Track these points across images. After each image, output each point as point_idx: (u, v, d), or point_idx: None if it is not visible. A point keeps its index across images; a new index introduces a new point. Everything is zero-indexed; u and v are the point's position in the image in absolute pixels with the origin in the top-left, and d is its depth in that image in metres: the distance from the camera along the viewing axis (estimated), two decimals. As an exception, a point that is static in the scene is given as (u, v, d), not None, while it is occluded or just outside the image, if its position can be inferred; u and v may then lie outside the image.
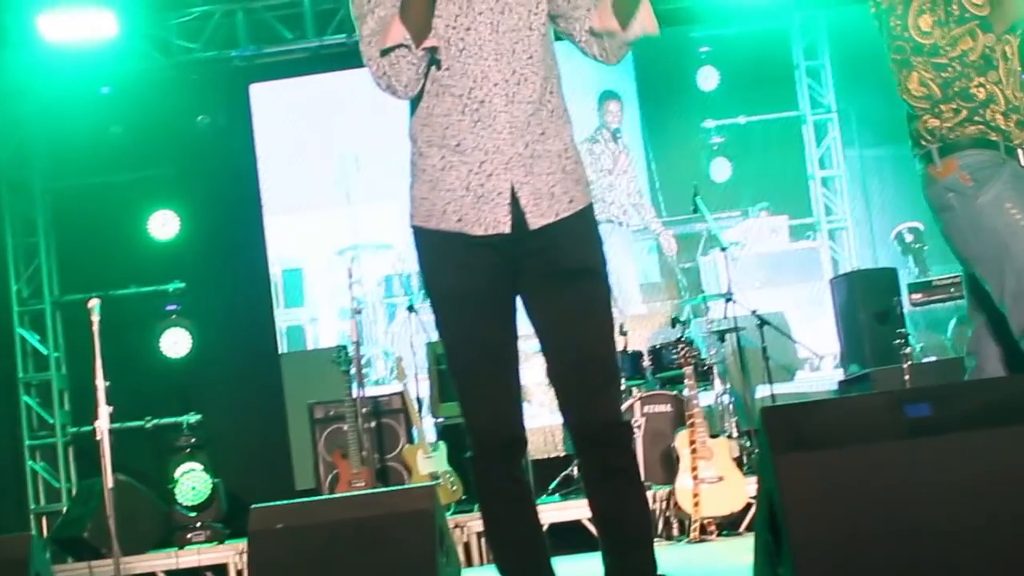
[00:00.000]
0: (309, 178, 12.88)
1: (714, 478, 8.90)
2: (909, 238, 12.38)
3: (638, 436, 9.55)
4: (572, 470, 9.89)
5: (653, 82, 13.37)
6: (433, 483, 9.52)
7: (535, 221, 4.19)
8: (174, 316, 11.50)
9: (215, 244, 12.02)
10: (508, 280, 4.28)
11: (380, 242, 12.63)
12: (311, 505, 5.22)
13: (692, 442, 8.97)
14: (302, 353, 12.76)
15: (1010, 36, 5.19)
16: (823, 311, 12.07)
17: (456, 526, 9.29)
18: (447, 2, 4.17)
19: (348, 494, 8.55)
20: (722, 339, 10.56)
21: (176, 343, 11.45)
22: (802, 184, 13.72)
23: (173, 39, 12.17)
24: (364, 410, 10.08)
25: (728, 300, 10.54)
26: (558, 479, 10.06)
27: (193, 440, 10.88)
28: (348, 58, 12.03)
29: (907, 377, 9.29)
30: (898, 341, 9.49)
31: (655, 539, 4.45)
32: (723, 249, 10.93)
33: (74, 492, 11.78)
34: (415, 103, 4.29)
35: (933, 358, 11.17)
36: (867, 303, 10.94)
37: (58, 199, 12.39)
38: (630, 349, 10.22)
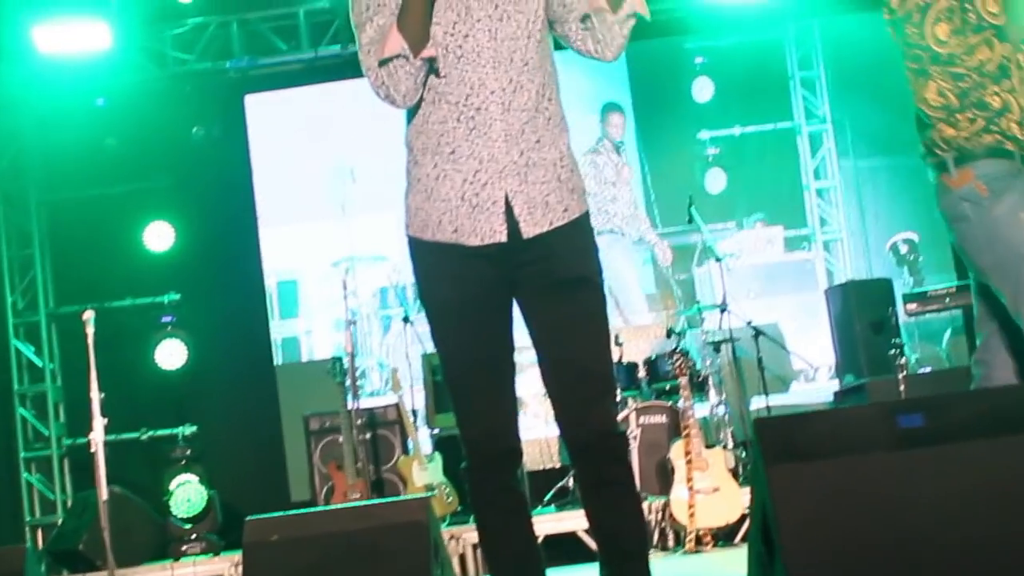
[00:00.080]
0: (304, 189, 12.89)
1: (709, 489, 8.91)
2: (904, 249, 12.41)
3: (634, 447, 9.56)
4: (567, 481, 9.89)
5: (648, 93, 13.38)
6: (428, 495, 9.50)
7: (529, 230, 4.19)
8: (169, 328, 11.50)
9: (210, 255, 12.01)
10: (504, 291, 4.28)
11: (375, 254, 12.64)
12: (306, 517, 5.21)
13: (687, 453, 8.98)
14: (297, 365, 12.76)
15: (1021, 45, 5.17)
16: (818, 322, 12.08)
17: (452, 537, 9.28)
18: (445, 9, 4.17)
19: (343, 506, 8.52)
20: (717, 350, 10.58)
21: (171, 355, 11.45)
22: (797, 195, 13.74)
23: (168, 51, 12.17)
24: (359, 422, 10.07)
25: (723, 311, 10.55)
26: (554, 490, 10.07)
27: (188, 452, 10.88)
28: (343, 69, 12.09)
29: (902, 388, 9.30)
30: (893, 352, 9.49)
31: (651, 550, 4.45)
32: (718, 260, 10.94)
33: (69, 504, 11.76)
34: (412, 111, 4.28)
35: (928, 368, 11.19)
36: (862, 314, 10.95)
37: (53, 211, 12.39)
38: (626, 360, 10.23)
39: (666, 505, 9.02)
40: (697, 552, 8.76)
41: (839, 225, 13.80)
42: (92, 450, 8.60)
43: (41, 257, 12.37)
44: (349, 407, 9.90)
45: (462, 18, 4.18)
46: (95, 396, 8.62)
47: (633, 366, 10.20)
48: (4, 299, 12.23)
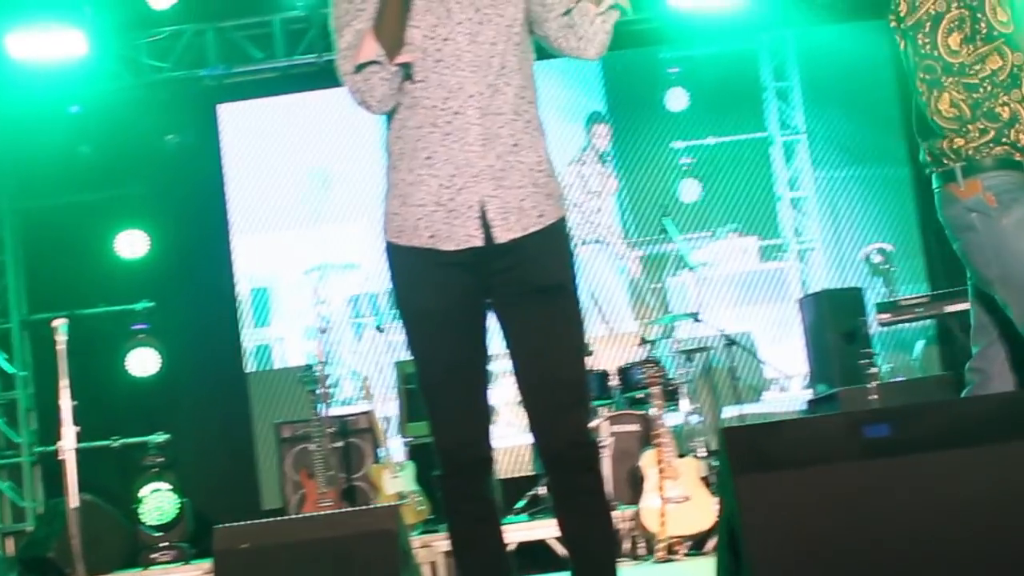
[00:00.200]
0: (277, 198, 12.87)
1: (680, 498, 8.91)
2: (877, 259, 12.42)
3: (606, 456, 9.57)
4: (540, 489, 9.90)
5: (622, 103, 13.39)
6: (399, 503, 9.52)
7: (502, 235, 4.18)
8: (142, 335, 11.47)
9: (184, 263, 12.00)
10: (480, 298, 4.28)
11: (348, 262, 12.63)
12: (275, 525, 5.22)
13: (659, 462, 8.99)
14: (269, 372, 12.74)
15: None
16: (791, 331, 12.10)
17: (423, 545, 9.28)
18: (425, 12, 4.16)
19: (313, 514, 8.52)
20: (690, 359, 10.59)
21: (144, 362, 11.43)
22: (771, 205, 13.76)
23: (143, 58, 12.16)
24: (331, 430, 10.07)
25: (696, 320, 10.56)
26: (526, 498, 10.07)
27: (160, 460, 10.84)
28: (317, 78, 12.10)
29: (874, 397, 9.32)
30: (864, 361, 9.52)
31: (622, 559, 4.47)
32: (691, 269, 10.96)
33: (40, 512, 11.73)
34: (390, 116, 4.28)
35: (901, 378, 11.21)
36: (835, 323, 10.98)
37: (26, 218, 12.35)
38: (598, 369, 10.24)
39: (637, 514, 9.02)
40: (668, 561, 8.77)
41: (813, 235, 13.82)
42: (60, 458, 8.58)
43: (14, 264, 12.32)
44: (321, 415, 9.89)
45: (442, 21, 4.18)
46: (65, 404, 8.59)
47: (605, 375, 10.21)
48: (-24, 306, 12.20)
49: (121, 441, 11.34)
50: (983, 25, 5.05)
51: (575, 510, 4.32)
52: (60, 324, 8.67)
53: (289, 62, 12.34)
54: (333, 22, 4.28)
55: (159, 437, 11.20)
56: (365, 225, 12.62)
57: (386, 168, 4.34)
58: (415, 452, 10.40)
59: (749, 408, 11.12)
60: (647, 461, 9.07)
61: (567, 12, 4.26)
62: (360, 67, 4.13)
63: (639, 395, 9.95)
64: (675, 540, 8.85)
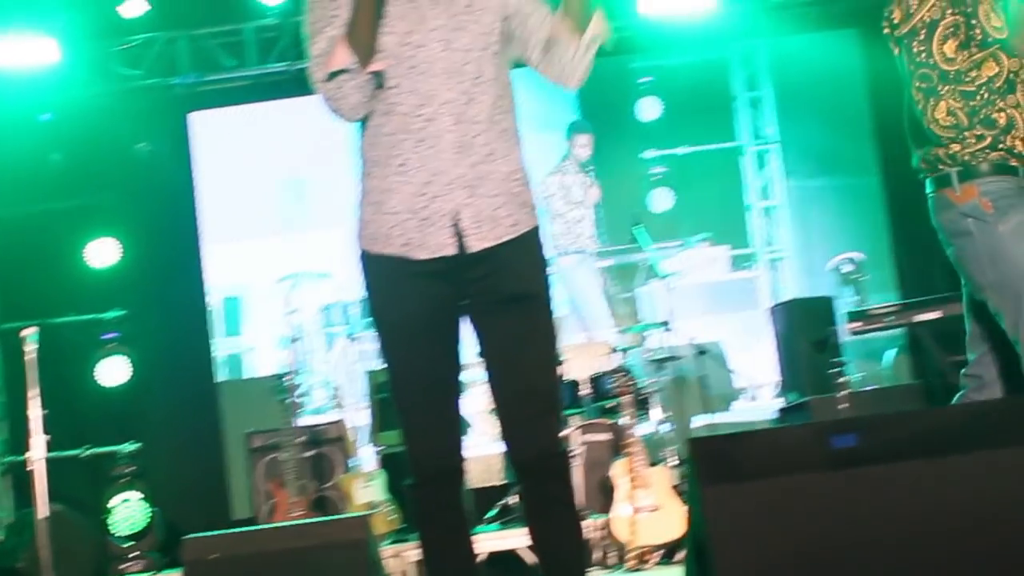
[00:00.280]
0: (249, 206, 12.88)
1: (651, 507, 8.91)
2: (848, 268, 12.47)
3: (577, 465, 9.55)
4: (511, 499, 9.89)
5: (593, 112, 13.42)
6: (370, 512, 9.50)
7: (475, 244, 4.19)
8: (112, 344, 11.43)
9: (155, 272, 11.95)
10: (453, 307, 4.28)
11: (320, 271, 12.63)
12: (245, 535, 5.22)
13: (630, 471, 8.98)
14: (240, 382, 12.75)
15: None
16: (762, 340, 12.12)
17: (394, 555, 9.26)
18: (399, 19, 4.17)
19: (282, 524, 8.52)
20: (661, 368, 10.59)
21: (114, 371, 11.38)
22: (742, 214, 13.81)
23: (114, 66, 12.12)
24: (302, 439, 10.04)
25: (667, 329, 10.58)
26: (497, 507, 10.06)
27: (130, 469, 10.80)
28: (289, 86, 12.08)
29: (844, 406, 9.34)
30: (834, 370, 9.54)
31: (592, 568, 4.49)
32: (661, 279, 10.97)
33: (9, 522, 11.67)
34: (364, 122, 4.28)
35: (872, 386, 11.24)
36: (805, 332, 10.99)
37: (-4, 226, 12.31)
38: (568, 378, 10.24)
39: (608, 523, 9.02)
40: (638, 570, 8.76)
41: (784, 244, 13.87)
42: (30, 468, 8.55)
43: (-17, 272, 12.28)
44: (292, 424, 9.86)
45: (416, 28, 4.19)
46: (33, 415, 8.57)
47: (576, 384, 10.21)
48: (-55, 315, 12.14)
49: (91, 451, 11.30)
50: (978, 31, 5.08)
51: (546, 520, 4.33)
52: (30, 333, 8.65)
53: (261, 70, 12.31)
54: (307, 28, 4.29)
55: (129, 447, 11.17)
56: (337, 234, 12.56)
57: (359, 175, 4.34)
58: (386, 462, 10.37)
59: (720, 417, 11.14)
60: (618, 470, 9.07)
61: (547, 44, 4.28)
62: (332, 75, 4.13)
63: (610, 404, 9.94)
64: (646, 549, 8.84)
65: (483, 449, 10.72)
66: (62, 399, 9.96)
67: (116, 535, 10.25)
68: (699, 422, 10.87)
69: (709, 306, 12.94)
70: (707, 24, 12.26)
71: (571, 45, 4.23)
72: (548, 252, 4.43)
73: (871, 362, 12.30)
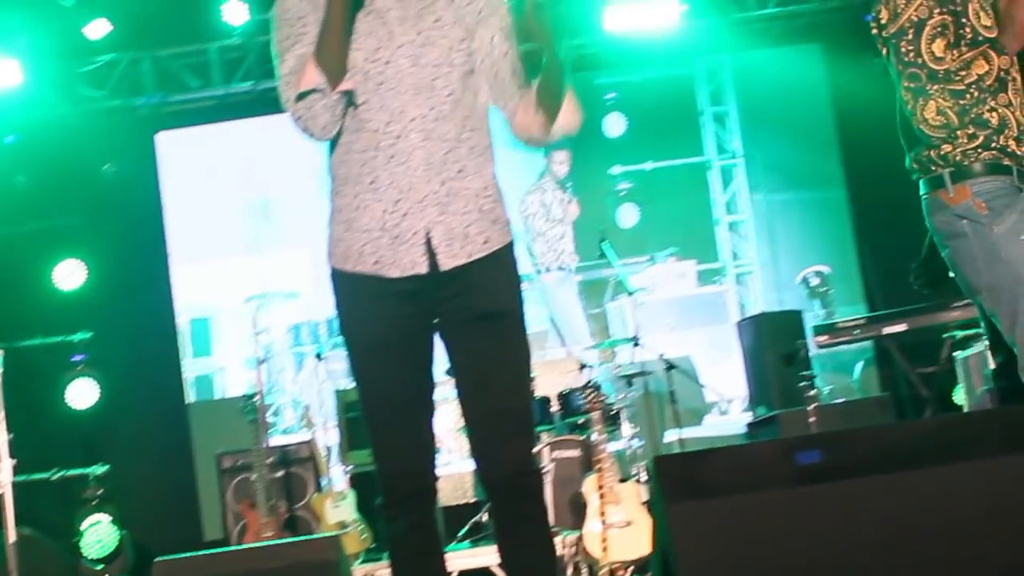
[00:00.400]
0: (216, 226, 12.86)
1: (622, 523, 8.90)
2: (815, 281, 12.52)
3: (548, 481, 9.55)
4: (482, 516, 9.89)
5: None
6: (341, 532, 9.49)
7: (447, 262, 4.17)
8: (81, 366, 11.39)
9: (122, 293, 11.91)
10: (425, 326, 4.27)
11: (288, 290, 12.61)
12: (216, 556, 5.21)
13: (600, 487, 8.98)
14: (210, 403, 12.71)
15: (1015, 57, 5.16)
16: (730, 355, 12.14)
17: (365, 575, 9.25)
18: (367, 35, 4.16)
19: (252, 545, 8.50)
20: (630, 383, 10.59)
21: (83, 393, 11.34)
22: (709, 229, 13.84)
23: (79, 87, 12.11)
24: (272, 459, 10.03)
25: (635, 344, 10.59)
26: (468, 525, 10.05)
27: (100, 492, 10.77)
28: (255, 105, 12.09)
29: (812, 419, 9.36)
30: (803, 384, 9.56)
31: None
32: (630, 294, 10.99)
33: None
34: (334, 140, 4.26)
35: (841, 399, 11.27)
36: (773, 345, 11.00)
37: (-38, 249, 12.27)
38: (538, 394, 10.23)
39: (579, 539, 9.02)
40: (610, 586, 8.77)
41: (751, 258, 13.90)
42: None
43: (-50, 295, 12.23)
44: (262, 445, 9.84)
45: (384, 44, 4.17)
46: (1, 437, 8.53)
47: (546, 400, 10.21)
48: (-88, 338, 12.09)
49: (60, 473, 11.26)
50: (968, 30, 5.05)
51: (517, 538, 4.32)
52: (-5, 356, 8.62)
53: (226, 90, 12.31)
54: (275, 46, 4.27)
55: (99, 469, 11.14)
56: (305, 253, 12.62)
57: (330, 192, 4.32)
58: (357, 481, 10.35)
59: (690, 432, 11.15)
60: (589, 486, 9.06)
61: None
62: (302, 95, 4.12)
63: (580, 420, 9.94)
64: (617, 565, 8.84)
65: (454, 467, 10.71)
66: (31, 422, 9.92)
67: (87, 558, 10.22)
68: (670, 437, 10.88)
69: (678, 321, 12.95)
70: (671, 40, 12.31)
71: (540, 127, 4.27)
72: (522, 269, 4.43)
73: (840, 375, 12.35)
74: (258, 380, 10.15)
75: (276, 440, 10.59)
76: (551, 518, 4.57)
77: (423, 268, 4.16)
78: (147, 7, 11.68)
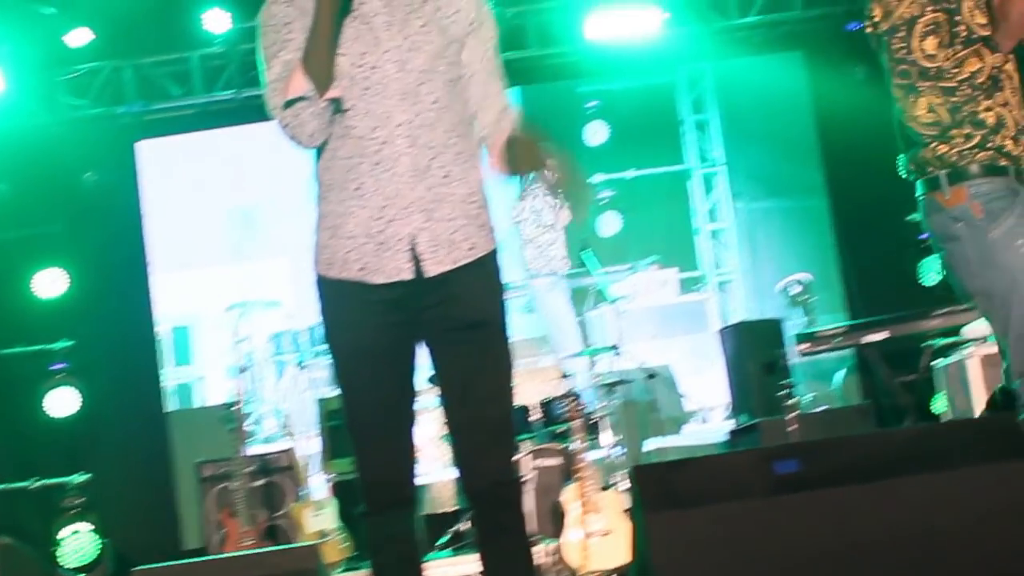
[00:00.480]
0: (198, 235, 12.84)
1: (602, 531, 8.91)
2: (796, 290, 12.52)
3: (528, 490, 9.54)
4: (462, 525, 9.88)
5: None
6: (321, 541, 9.48)
7: (432, 268, 4.16)
8: (61, 375, 11.36)
9: (103, 302, 11.88)
10: (409, 334, 4.26)
11: (269, 299, 12.59)
12: (195, 565, 5.21)
13: (581, 495, 8.99)
14: (190, 411, 12.70)
15: (1010, 54, 5.13)
16: (711, 363, 12.15)
17: (346, 584, 9.25)
18: (353, 40, 4.15)
19: (233, 554, 8.49)
20: (611, 392, 10.59)
21: (63, 402, 11.32)
22: (690, 237, 13.85)
23: (60, 96, 12.08)
24: (252, 468, 10.01)
25: (616, 353, 10.59)
26: (448, 534, 10.05)
27: (80, 501, 10.75)
28: (236, 114, 12.09)
29: (793, 428, 9.36)
30: (783, 392, 9.57)
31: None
32: (611, 303, 11.00)
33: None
34: (321, 145, 4.24)
35: (823, 407, 11.29)
36: (754, 354, 11.01)
37: (-58, 259, 12.24)
38: (518, 403, 10.22)
39: (560, 548, 9.02)
40: (591, 595, 8.78)
41: (732, 266, 13.92)
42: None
43: (-69, 304, 12.19)
44: (242, 453, 9.83)
45: (370, 49, 4.15)
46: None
47: (526, 409, 10.21)
48: None
49: (40, 482, 11.23)
50: (962, 28, 5.03)
51: (497, 547, 4.32)
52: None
53: (208, 98, 12.29)
54: (261, 52, 4.25)
55: (79, 478, 11.11)
56: (287, 262, 12.61)
57: (315, 199, 4.31)
58: (337, 489, 10.35)
59: (670, 440, 11.16)
60: (569, 495, 9.07)
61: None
62: (289, 102, 4.11)
63: (560, 429, 9.95)
64: (597, 574, 8.84)
65: (435, 476, 10.71)
66: (10, 430, 9.92)
67: (66, 567, 10.19)
68: (650, 446, 10.88)
69: (658, 329, 12.96)
70: (653, 48, 12.32)
71: (502, 170, 4.29)
72: (507, 275, 4.42)
73: (821, 383, 12.36)
74: (239, 389, 10.13)
75: (256, 449, 10.59)
76: (532, 526, 4.55)
77: (408, 274, 4.16)
78: (129, 15, 11.64)
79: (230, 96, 12.19)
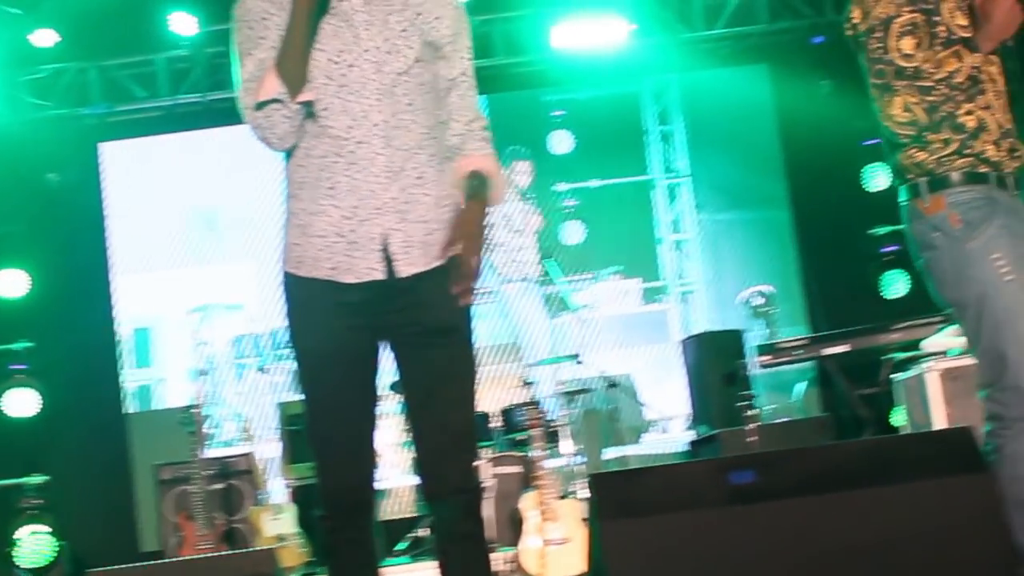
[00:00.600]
0: (160, 237, 12.79)
1: (561, 539, 8.93)
2: (758, 301, 12.55)
3: (487, 497, 9.55)
4: (421, 531, 9.88)
5: (505, 144, 13.43)
6: (279, 545, 9.47)
7: (404, 269, 4.14)
8: (20, 376, 11.33)
9: (64, 303, 11.86)
10: (375, 339, 4.24)
11: (230, 302, 12.56)
12: (152, 568, 5.19)
13: (540, 503, 9.00)
14: (150, 413, 12.62)
15: (994, 56, 5.09)
16: (672, 373, 12.17)
17: (303, 588, 9.25)
18: (331, 37, 4.13)
19: (190, 557, 8.48)
20: (572, 401, 10.61)
21: (22, 403, 11.28)
22: (653, 247, 13.86)
23: (24, 96, 12.05)
24: (211, 471, 9.99)
25: (577, 362, 10.61)
26: (407, 540, 10.05)
27: (37, 502, 10.72)
28: (201, 117, 12.08)
29: (753, 439, 9.39)
30: (744, 403, 9.60)
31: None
32: (573, 311, 11.01)
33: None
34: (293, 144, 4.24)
35: (783, 419, 11.32)
36: (715, 364, 11.04)
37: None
38: (479, 410, 10.22)
39: (517, 555, 9.03)
40: (548, 603, 8.78)
41: (695, 277, 13.93)
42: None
43: None
44: (201, 456, 9.81)
45: (348, 47, 4.13)
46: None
47: (487, 416, 10.22)
48: None
49: (-3, 483, 11.21)
50: (941, 28, 4.98)
51: (456, 554, 4.30)
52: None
53: (173, 101, 12.29)
54: (234, 48, 4.20)
55: (37, 479, 11.08)
56: (249, 265, 12.56)
57: (285, 197, 4.27)
58: (296, 494, 10.35)
59: (630, 449, 11.17)
60: (528, 503, 9.08)
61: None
62: (262, 104, 4.10)
63: (520, 437, 9.97)
64: (555, 582, 8.86)
65: (394, 481, 10.71)
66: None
67: (22, 568, 10.15)
68: (610, 454, 10.90)
69: (620, 339, 12.97)
70: (619, 58, 12.38)
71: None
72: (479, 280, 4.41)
73: (781, 395, 12.38)
74: (199, 392, 10.11)
75: (215, 452, 10.54)
76: (491, 534, 4.55)
77: (379, 275, 4.14)
78: (94, 16, 11.62)
79: (195, 99, 12.19)
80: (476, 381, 4.32)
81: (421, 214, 4.19)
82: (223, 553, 6.81)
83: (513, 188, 12.50)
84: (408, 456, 10.20)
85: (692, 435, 11.32)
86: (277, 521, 9.91)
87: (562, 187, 13.52)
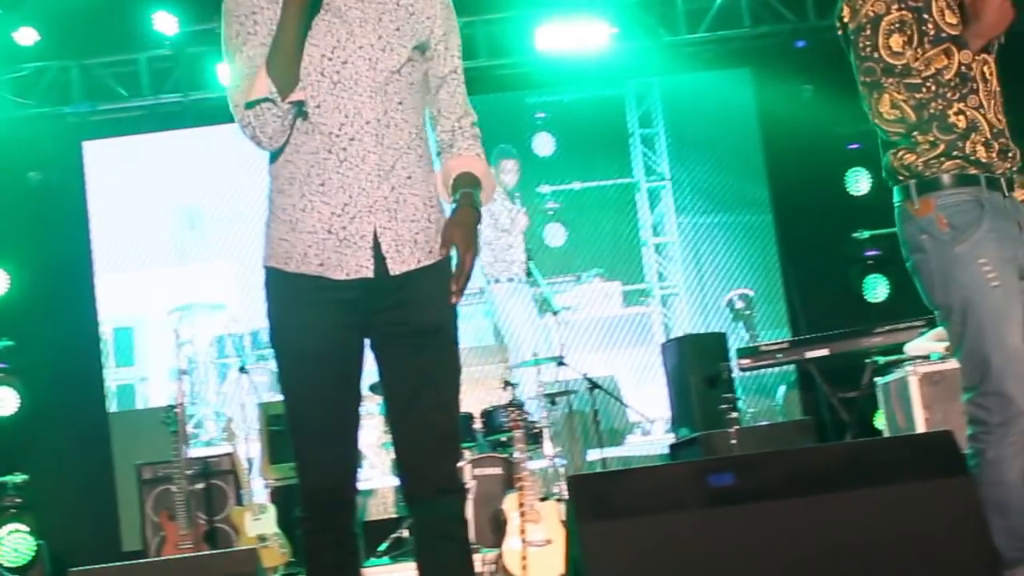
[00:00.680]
0: (142, 237, 12.78)
1: (542, 541, 8.93)
2: (740, 304, 12.58)
3: (469, 499, 9.55)
4: (402, 532, 9.88)
5: (488, 146, 13.39)
6: (260, 545, 9.46)
7: (395, 267, 4.13)
8: (1, 375, 11.32)
9: (45, 302, 11.84)
10: (359, 338, 4.22)
11: (212, 302, 12.55)
12: (133, 567, 5.19)
13: (521, 505, 9.00)
14: (131, 412, 12.61)
15: (987, 55, 5.09)
16: (654, 376, 12.18)
17: (284, 589, 9.24)
18: (325, 33, 4.11)
19: (171, 557, 8.47)
20: (554, 402, 10.61)
21: (3, 402, 11.27)
22: (636, 250, 13.87)
23: (6, 94, 12.02)
24: (193, 471, 9.99)
25: (560, 364, 10.61)
26: (389, 541, 10.04)
27: (18, 500, 10.70)
28: (183, 116, 12.08)
29: (734, 441, 9.41)
30: (725, 406, 9.61)
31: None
32: (555, 313, 11.02)
33: None
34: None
35: (764, 422, 11.33)
36: (697, 367, 11.05)
37: None
38: (462, 412, 10.21)
39: (499, 557, 9.04)
40: (529, 604, 8.79)
41: (676, 280, 13.95)
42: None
43: None
44: (183, 456, 9.80)
45: (342, 43, 4.11)
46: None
47: (468, 417, 10.22)
48: None
49: (-23, 482, 11.19)
50: (930, 27, 5.00)
51: (437, 555, 4.28)
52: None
53: (155, 100, 12.27)
54: (225, 44, 4.17)
55: (17, 478, 11.06)
56: (232, 265, 12.55)
57: (270, 192, 4.25)
58: (278, 494, 10.34)
59: (612, 451, 11.18)
60: (509, 504, 9.09)
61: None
62: (252, 102, 4.09)
63: (502, 438, 9.97)
64: (536, 583, 8.86)
65: (376, 482, 10.71)
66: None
67: (2, 567, 10.13)
68: (592, 456, 10.90)
69: (602, 341, 13.00)
70: (602, 61, 12.39)
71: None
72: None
73: (762, 398, 12.41)
74: (180, 391, 10.09)
75: (197, 452, 10.54)
76: (472, 535, 4.53)
77: (369, 272, 4.12)
78: (77, 15, 11.60)
79: (178, 98, 12.17)
80: (460, 381, 4.32)
81: (410, 213, 4.18)
82: (204, 553, 6.80)
83: (500, 186, 12.51)
84: (389, 457, 10.21)
85: (673, 438, 11.34)
86: (259, 521, 9.90)
87: (544, 189, 13.53)
